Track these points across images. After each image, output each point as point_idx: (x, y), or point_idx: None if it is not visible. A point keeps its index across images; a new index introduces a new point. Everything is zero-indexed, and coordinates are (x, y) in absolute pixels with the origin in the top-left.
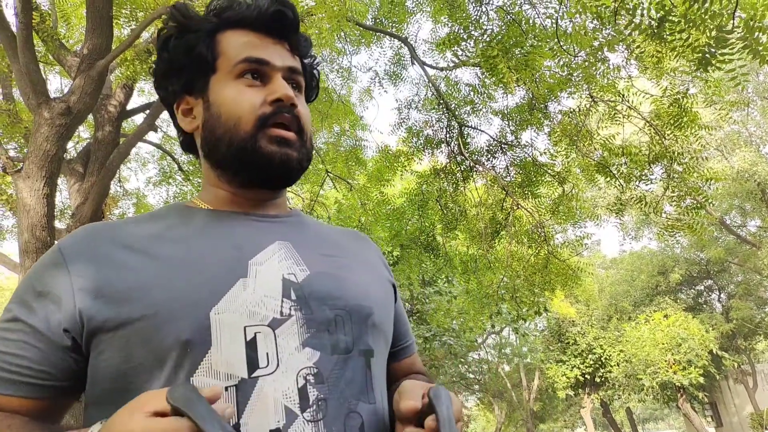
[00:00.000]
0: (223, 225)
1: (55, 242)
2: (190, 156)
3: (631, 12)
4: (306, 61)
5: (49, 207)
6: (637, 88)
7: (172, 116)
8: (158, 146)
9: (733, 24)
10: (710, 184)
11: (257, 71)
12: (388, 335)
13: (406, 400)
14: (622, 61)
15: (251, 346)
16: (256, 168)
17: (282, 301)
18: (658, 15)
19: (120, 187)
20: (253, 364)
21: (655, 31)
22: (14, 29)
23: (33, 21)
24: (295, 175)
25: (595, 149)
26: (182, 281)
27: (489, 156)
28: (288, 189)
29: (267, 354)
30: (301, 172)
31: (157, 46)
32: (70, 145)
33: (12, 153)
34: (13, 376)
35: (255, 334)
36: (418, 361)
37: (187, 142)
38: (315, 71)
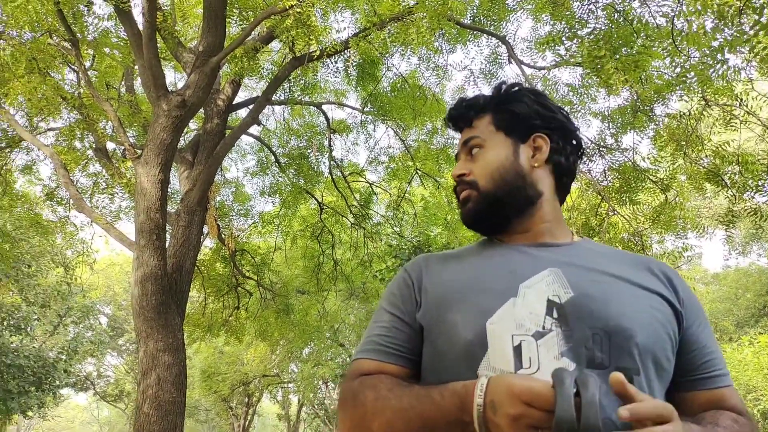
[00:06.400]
0: (505, 254)
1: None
2: (287, 149)
3: (758, 11)
4: (492, 107)
5: (163, 192)
6: (758, 92)
7: None
8: (258, 138)
9: None
10: None
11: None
12: (661, 359)
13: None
14: (742, 62)
15: (517, 351)
16: (465, 226)
17: (545, 318)
18: None
19: (221, 176)
20: (517, 365)
21: None
22: (140, 27)
23: (156, 20)
24: (479, 221)
25: (705, 155)
26: (469, 298)
27: (585, 159)
28: (377, 185)
29: (530, 358)
30: (482, 214)
31: None
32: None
33: (131, 140)
34: (394, 352)
35: (520, 341)
36: (731, 399)
37: None
38: (509, 106)
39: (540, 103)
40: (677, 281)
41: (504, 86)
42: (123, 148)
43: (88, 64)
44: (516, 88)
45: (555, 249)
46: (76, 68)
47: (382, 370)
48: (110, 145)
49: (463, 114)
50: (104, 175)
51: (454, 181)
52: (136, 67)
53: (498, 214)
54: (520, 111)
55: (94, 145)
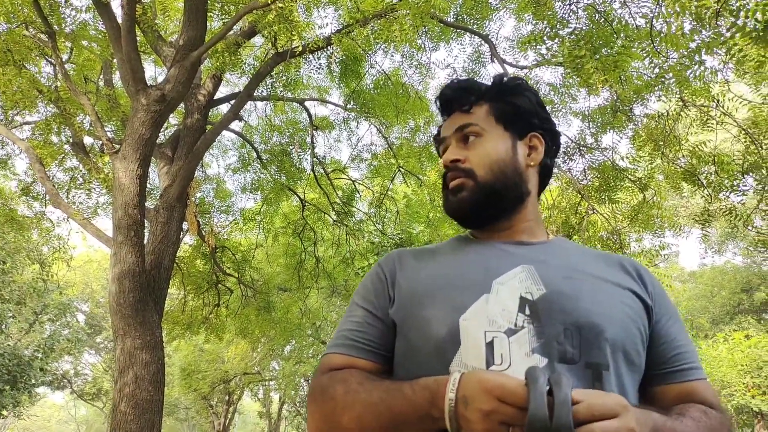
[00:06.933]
0: (479, 251)
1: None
2: (269, 145)
3: (734, 14)
4: (493, 97)
5: (142, 187)
6: (734, 93)
7: None
8: (239, 134)
9: None
10: None
11: (442, 148)
12: (631, 353)
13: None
14: (719, 64)
15: (489, 347)
16: (450, 215)
17: (517, 315)
18: (764, 18)
19: (202, 172)
20: (489, 361)
21: (761, 34)
22: (119, 20)
23: (136, 13)
24: (472, 212)
25: (683, 155)
26: (443, 294)
27: (566, 158)
28: (360, 182)
29: (501, 355)
30: (479, 205)
31: None
32: (160, 130)
33: (109, 135)
34: (365, 347)
35: (493, 338)
36: (702, 391)
37: None
38: (510, 98)
39: (539, 103)
40: (647, 277)
41: (506, 78)
42: (101, 142)
43: (65, 56)
44: (519, 82)
45: (530, 247)
46: (52, 61)
47: (353, 365)
48: (88, 140)
49: (460, 97)
50: (81, 170)
51: (445, 167)
52: (115, 60)
53: (495, 206)
54: (523, 106)
55: (71, 140)
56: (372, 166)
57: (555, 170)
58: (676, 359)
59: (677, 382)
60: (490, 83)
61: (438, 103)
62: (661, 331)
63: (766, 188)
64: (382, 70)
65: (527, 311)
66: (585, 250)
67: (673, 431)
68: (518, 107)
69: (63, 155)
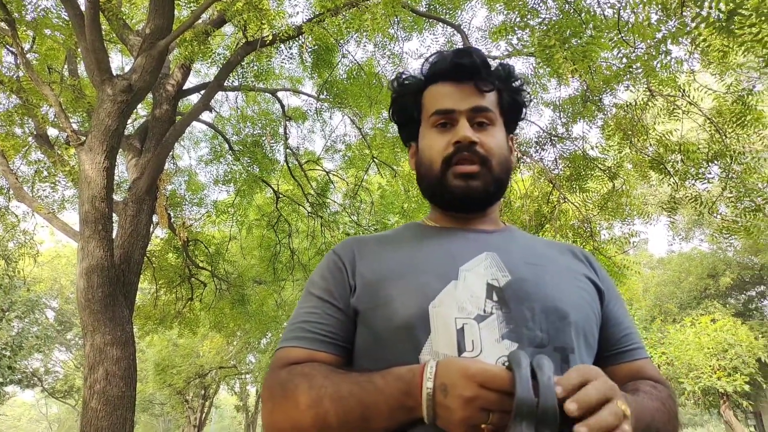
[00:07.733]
0: (442, 238)
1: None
2: (240, 136)
3: (699, 4)
4: (505, 87)
5: (109, 180)
6: (699, 83)
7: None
8: (211, 125)
9: None
10: None
11: (446, 119)
12: (589, 336)
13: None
14: (685, 54)
15: (460, 334)
16: (446, 200)
17: (485, 301)
18: (728, 8)
19: (173, 164)
20: (461, 348)
21: (724, 24)
22: (82, 8)
23: (100, 0)
24: (480, 201)
25: (650, 144)
26: (409, 281)
27: (537, 148)
28: (334, 173)
29: (472, 341)
30: (489, 196)
31: (389, 107)
32: (128, 121)
33: (74, 126)
34: (325, 339)
35: (463, 325)
36: (648, 369)
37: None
38: (516, 96)
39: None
40: (595, 263)
41: (513, 70)
42: (65, 134)
43: (27, 45)
44: (521, 78)
45: (490, 234)
46: (14, 50)
47: (313, 359)
48: (52, 132)
49: (481, 74)
50: (46, 163)
51: (457, 143)
52: (80, 50)
53: (496, 199)
54: (524, 107)
55: (34, 132)
56: (346, 157)
57: (527, 160)
58: (625, 340)
59: (627, 361)
60: (498, 68)
61: (443, 65)
62: (610, 314)
63: (730, 176)
64: (355, 60)
65: (495, 297)
66: (537, 239)
67: (634, 401)
68: (520, 107)
69: (27, 147)
